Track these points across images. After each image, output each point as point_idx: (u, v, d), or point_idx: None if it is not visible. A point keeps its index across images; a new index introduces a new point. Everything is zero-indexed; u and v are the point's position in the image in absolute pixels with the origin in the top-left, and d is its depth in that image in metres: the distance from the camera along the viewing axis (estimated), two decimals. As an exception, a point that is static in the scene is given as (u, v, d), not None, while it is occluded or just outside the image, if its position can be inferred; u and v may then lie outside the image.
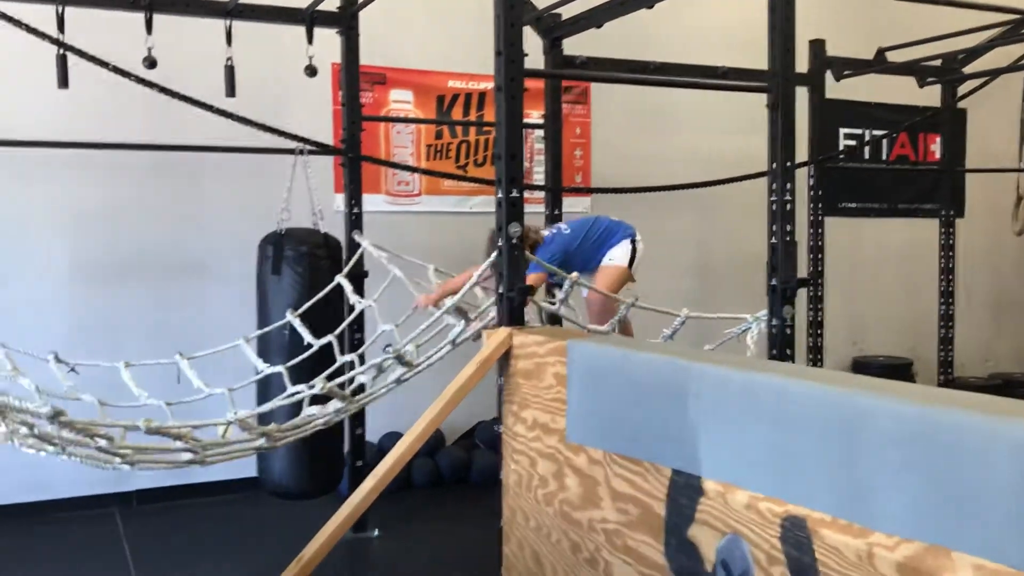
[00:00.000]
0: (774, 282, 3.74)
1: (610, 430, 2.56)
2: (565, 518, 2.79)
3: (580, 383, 2.69)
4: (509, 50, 3.23)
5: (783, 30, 3.68)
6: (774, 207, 3.74)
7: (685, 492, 2.27)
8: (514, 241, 3.29)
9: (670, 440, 2.32)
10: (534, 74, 4.14)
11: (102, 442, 3.15)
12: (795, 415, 1.93)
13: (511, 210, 3.30)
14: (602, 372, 2.59)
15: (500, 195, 3.30)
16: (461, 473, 5.87)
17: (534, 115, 5.78)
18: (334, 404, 3.95)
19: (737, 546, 2.11)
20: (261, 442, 3.65)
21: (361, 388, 4.23)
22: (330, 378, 4.07)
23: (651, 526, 2.40)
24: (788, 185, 3.71)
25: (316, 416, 3.84)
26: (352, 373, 4.15)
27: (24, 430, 3.10)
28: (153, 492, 5.43)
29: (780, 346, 3.72)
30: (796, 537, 1.93)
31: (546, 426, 2.90)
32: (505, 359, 3.17)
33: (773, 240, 3.73)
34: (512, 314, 3.26)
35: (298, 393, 4.07)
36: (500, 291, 3.32)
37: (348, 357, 4.38)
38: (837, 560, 1.81)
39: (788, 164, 3.70)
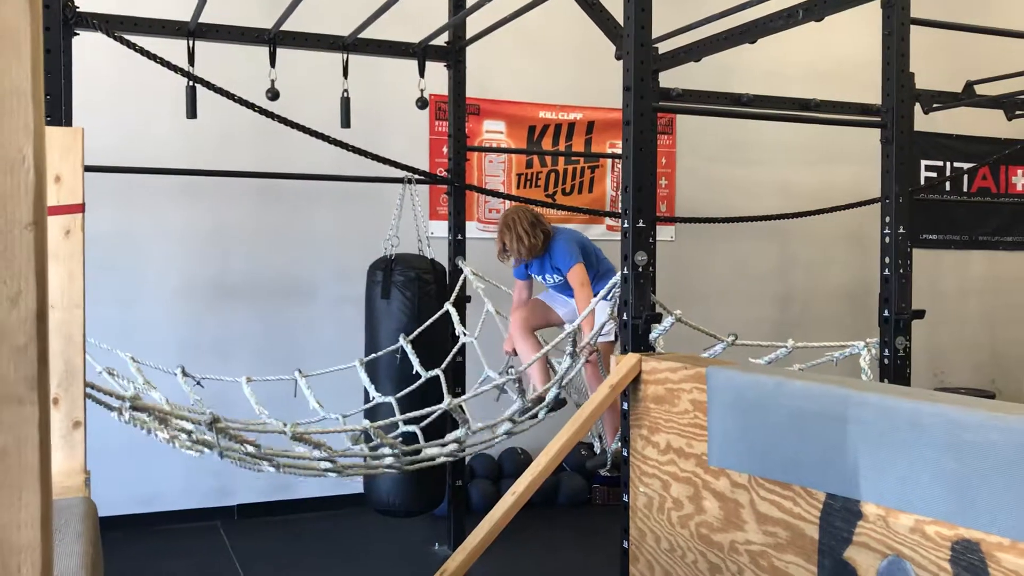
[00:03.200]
0: (887, 313, 3.83)
1: (757, 455, 2.65)
2: (703, 540, 2.88)
3: (723, 409, 2.79)
4: (639, 86, 3.35)
5: (898, 66, 3.78)
6: (887, 239, 3.82)
7: (841, 515, 2.36)
8: (640, 269, 3.41)
9: (825, 465, 2.40)
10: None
11: (250, 448, 3.35)
12: (970, 443, 2.01)
13: (637, 239, 3.42)
14: (750, 399, 2.69)
15: (627, 224, 3.42)
16: (550, 496, 5.96)
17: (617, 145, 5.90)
18: (452, 445, 4.11)
19: (900, 567, 2.18)
20: (390, 460, 3.80)
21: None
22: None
23: (802, 548, 2.48)
24: (901, 218, 3.80)
25: (435, 455, 3.97)
26: (470, 394, 4.27)
27: (184, 436, 3.32)
28: (255, 507, 5.59)
29: (893, 376, 3.79)
30: (968, 560, 2.00)
31: (681, 450, 3.00)
32: (633, 384, 3.27)
33: (886, 272, 3.81)
34: (638, 340, 3.37)
35: (421, 420, 4.23)
36: (624, 318, 3.44)
37: (447, 402, 4.23)
38: (1015, 582, 1.89)
39: (901, 199, 3.80)
